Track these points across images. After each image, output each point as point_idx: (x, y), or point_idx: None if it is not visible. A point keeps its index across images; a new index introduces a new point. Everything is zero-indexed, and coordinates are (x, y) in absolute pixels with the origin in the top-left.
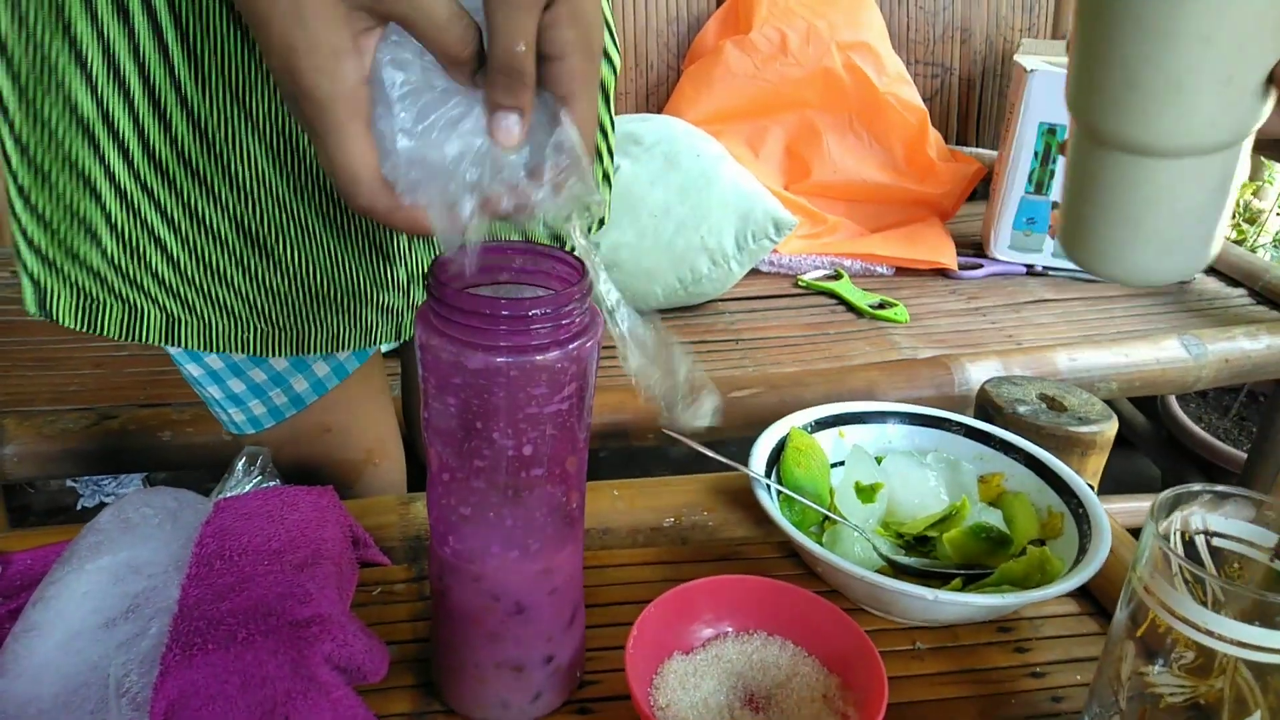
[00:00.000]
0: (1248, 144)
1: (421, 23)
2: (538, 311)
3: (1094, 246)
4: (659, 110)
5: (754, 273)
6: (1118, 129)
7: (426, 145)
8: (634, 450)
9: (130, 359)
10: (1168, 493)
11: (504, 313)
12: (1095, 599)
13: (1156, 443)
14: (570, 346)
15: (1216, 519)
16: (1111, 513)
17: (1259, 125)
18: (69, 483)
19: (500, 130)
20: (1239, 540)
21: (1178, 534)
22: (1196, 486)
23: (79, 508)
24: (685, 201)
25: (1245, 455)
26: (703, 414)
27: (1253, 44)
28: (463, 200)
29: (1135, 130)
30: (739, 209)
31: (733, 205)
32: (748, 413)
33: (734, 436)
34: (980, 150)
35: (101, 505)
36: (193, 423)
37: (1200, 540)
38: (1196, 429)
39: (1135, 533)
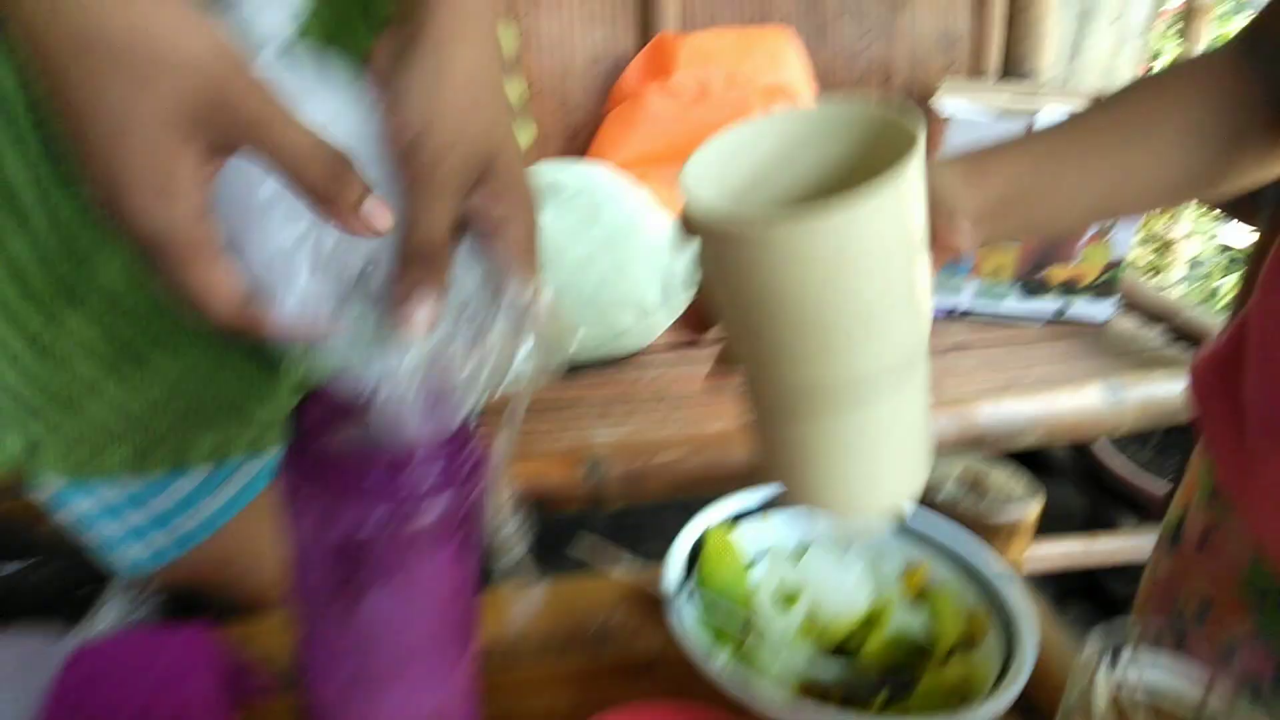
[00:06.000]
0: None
1: (278, 154)
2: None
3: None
4: (583, 152)
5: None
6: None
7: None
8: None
9: None
10: (1089, 650)
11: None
12: (1032, 706)
13: (1080, 474)
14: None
15: (1140, 674)
16: (1038, 560)
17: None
18: None
19: (411, 321)
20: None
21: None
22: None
23: None
24: (609, 253)
25: (1170, 485)
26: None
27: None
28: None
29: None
30: (664, 259)
31: (658, 255)
32: (675, 478)
33: (664, 502)
34: None
35: None
36: None
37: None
38: (1118, 465)
39: (1066, 595)
